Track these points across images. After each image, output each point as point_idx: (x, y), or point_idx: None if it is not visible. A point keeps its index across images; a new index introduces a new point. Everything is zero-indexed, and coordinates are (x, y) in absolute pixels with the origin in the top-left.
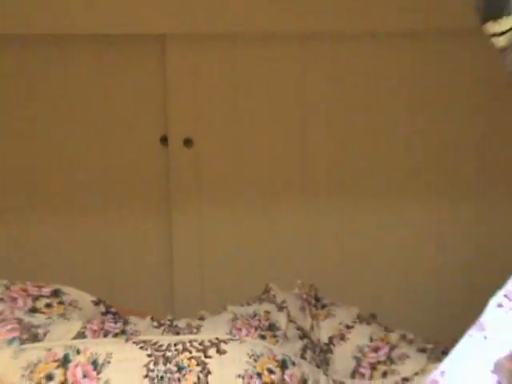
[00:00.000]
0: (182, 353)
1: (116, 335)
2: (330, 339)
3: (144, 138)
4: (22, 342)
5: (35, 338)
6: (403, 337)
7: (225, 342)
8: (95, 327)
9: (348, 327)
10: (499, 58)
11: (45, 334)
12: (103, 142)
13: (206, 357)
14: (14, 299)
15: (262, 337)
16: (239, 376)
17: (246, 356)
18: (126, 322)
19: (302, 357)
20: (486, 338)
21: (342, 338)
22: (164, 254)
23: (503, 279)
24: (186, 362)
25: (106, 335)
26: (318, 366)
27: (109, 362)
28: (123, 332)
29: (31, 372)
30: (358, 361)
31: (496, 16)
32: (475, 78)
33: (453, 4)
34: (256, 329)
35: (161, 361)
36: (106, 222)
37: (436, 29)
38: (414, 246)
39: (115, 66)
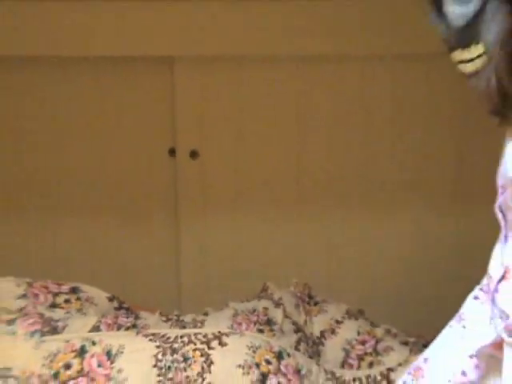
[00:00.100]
0: (187, 344)
1: (128, 328)
2: (322, 333)
3: (154, 150)
4: (43, 334)
5: (55, 331)
6: (388, 331)
7: (226, 335)
8: (109, 321)
9: (338, 322)
10: (467, 83)
11: (63, 327)
12: (117, 154)
13: (209, 348)
14: (36, 295)
15: (261, 331)
16: (239, 366)
17: (245, 348)
18: (137, 317)
19: (297, 349)
20: (464, 327)
21: (333, 332)
22: (171, 256)
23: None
24: (191, 353)
25: (118, 328)
26: (310, 357)
27: (121, 353)
28: (134, 326)
29: (51, 361)
30: (347, 352)
31: (465, 45)
32: (456, 97)
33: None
34: (255, 323)
35: (168, 352)
36: (119, 227)
37: (424, 52)
38: (399, 252)
39: (127, 85)
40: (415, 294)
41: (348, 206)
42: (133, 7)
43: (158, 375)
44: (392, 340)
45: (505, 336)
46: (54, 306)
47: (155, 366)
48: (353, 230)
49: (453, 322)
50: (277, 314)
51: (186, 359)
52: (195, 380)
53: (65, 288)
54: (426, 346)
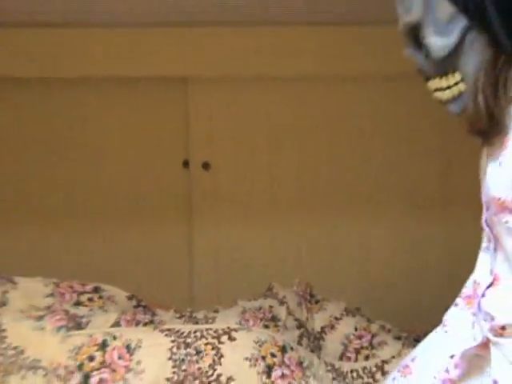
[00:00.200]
0: (199, 339)
1: (145, 324)
2: (322, 328)
3: (169, 162)
4: (69, 329)
5: (79, 327)
6: (382, 327)
7: (235, 330)
8: (128, 318)
9: (337, 319)
10: (445, 109)
11: (87, 323)
12: (136, 166)
13: (219, 343)
14: (62, 294)
15: (266, 326)
16: (247, 359)
17: (252, 342)
18: (153, 314)
19: (299, 343)
20: (446, 332)
21: (332, 327)
22: (185, 258)
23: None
24: (203, 347)
25: (137, 324)
26: (312, 351)
27: (139, 347)
28: (151, 322)
29: (76, 354)
30: (345, 346)
31: (442, 74)
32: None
33: None
34: (261, 320)
35: (182, 346)
36: (138, 232)
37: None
38: (392, 254)
39: (145, 103)
40: (407, 293)
41: (346, 213)
42: (150, 33)
43: (173, 367)
44: (386, 335)
45: (490, 336)
46: (78, 303)
47: (170, 358)
48: (350, 234)
49: (438, 328)
50: (281, 312)
51: (198, 352)
52: (207, 371)
53: (88, 288)
54: (416, 340)
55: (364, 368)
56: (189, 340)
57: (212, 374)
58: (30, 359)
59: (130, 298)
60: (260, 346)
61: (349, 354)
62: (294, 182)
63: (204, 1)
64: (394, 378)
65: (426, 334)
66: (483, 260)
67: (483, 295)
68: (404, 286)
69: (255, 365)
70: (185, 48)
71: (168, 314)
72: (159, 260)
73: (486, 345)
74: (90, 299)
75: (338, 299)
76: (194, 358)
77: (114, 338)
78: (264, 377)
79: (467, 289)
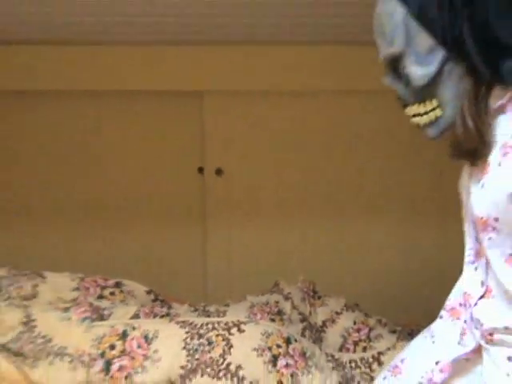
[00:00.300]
0: (211, 331)
1: (162, 317)
2: (324, 322)
3: (185, 169)
4: (92, 320)
5: (102, 318)
6: (379, 321)
7: (244, 323)
8: (147, 310)
9: (337, 313)
10: (422, 133)
11: (109, 315)
12: (155, 172)
13: (229, 334)
14: (87, 288)
15: (272, 320)
16: (254, 349)
17: (259, 334)
18: (169, 307)
19: (303, 335)
20: (433, 342)
21: (333, 321)
22: (200, 257)
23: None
24: (214, 338)
25: (154, 316)
26: (314, 343)
27: (156, 337)
28: (168, 314)
29: (98, 343)
30: (345, 339)
31: (420, 101)
32: None
33: None
34: (268, 314)
35: (195, 336)
36: (157, 233)
37: None
38: (389, 255)
39: (164, 115)
40: (402, 290)
41: (347, 217)
42: (170, 51)
43: (187, 356)
44: (382, 329)
45: (483, 343)
46: (101, 297)
47: (184, 348)
48: (351, 236)
49: (426, 333)
50: (286, 306)
51: (210, 343)
52: (217, 360)
53: (110, 282)
54: (410, 334)
55: (362, 359)
56: (201, 331)
57: (222, 363)
58: (57, 347)
59: (148, 293)
60: (267, 337)
61: (348, 346)
62: (299, 187)
63: (219, 22)
64: (384, 377)
65: (418, 328)
66: (470, 273)
67: (475, 304)
68: (399, 283)
69: (262, 355)
70: (201, 65)
71: (183, 308)
72: (175, 258)
73: (476, 350)
74: (112, 293)
75: (339, 295)
76: (206, 347)
77: (134, 328)
78: (270, 366)
79: (451, 301)
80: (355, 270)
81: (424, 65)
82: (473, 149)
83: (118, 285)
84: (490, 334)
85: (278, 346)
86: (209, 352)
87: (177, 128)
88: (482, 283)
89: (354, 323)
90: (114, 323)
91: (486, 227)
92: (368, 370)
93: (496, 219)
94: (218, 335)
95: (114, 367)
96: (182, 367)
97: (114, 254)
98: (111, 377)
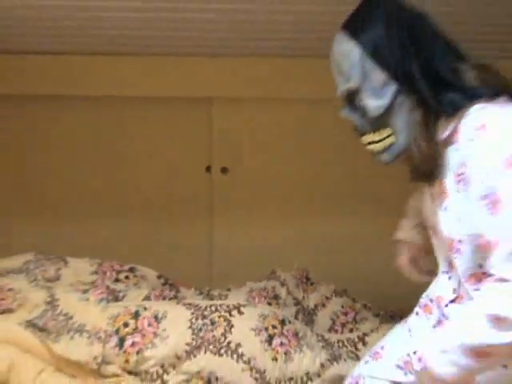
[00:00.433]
0: (214, 312)
1: (171, 299)
2: (315, 306)
3: (194, 167)
4: (108, 301)
5: (117, 299)
6: (364, 305)
7: (243, 306)
8: (157, 293)
9: (327, 298)
10: (375, 160)
11: (123, 297)
12: (167, 171)
13: (230, 315)
14: (104, 272)
15: (269, 303)
16: (252, 329)
17: (257, 316)
18: (177, 291)
19: (296, 318)
20: (411, 336)
21: (323, 305)
22: (206, 246)
23: None
24: (216, 319)
25: (164, 299)
26: (306, 324)
27: (165, 317)
28: (175, 297)
29: (114, 321)
30: (333, 321)
31: (375, 129)
32: None
33: None
34: (265, 298)
35: (200, 317)
36: (169, 225)
37: None
38: (375, 245)
39: (175, 120)
40: (387, 277)
41: (340, 212)
42: (181, 61)
43: (192, 334)
44: (367, 312)
45: None
46: (117, 280)
47: (190, 327)
48: (340, 230)
49: (404, 325)
50: (282, 292)
51: (213, 323)
52: (219, 339)
53: (125, 267)
54: (392, 317)
55: (348, 339)
56: (205, 313)
57: (224, 341)
58: (77, 324)
59: (159, 277)
60: (263, 319)
61: (336, 328)
62: (297, 185)
63: (226, 37)
64: (366, 362)
65: (399, 313)
66: (444, 281)
67: (446, 306)
68: (384, 272)
69: (259, 334)
70: (210, 74)
71: (189, 292)
72: (184, 247)
73: None
74: (127, 277)
75: (329, 282)
76: (210, 327)
77: (145, 309)
78: (266, 344)
79: (424, 299)
80: (344, 259)
81: (378, 97)
82: (428, 171)
83: (132, 270)
84: None
85: (274, 327)
86: (212, 331)
87: (187, 130)
88: (454, 290)
89: (342, 307)
90: (128, 304)
91: (451, 248)
92: (354, 349)
93: (460, 241)
94: (220, 316)
95: (127, 343)
96: (188, 344)
97: (129, 242)
98: (124, 351)
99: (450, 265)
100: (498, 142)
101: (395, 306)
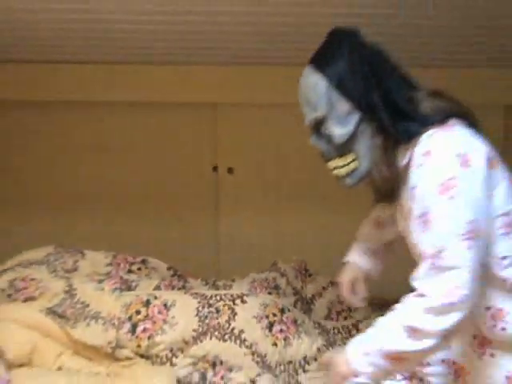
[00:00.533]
0: (219, 301)
1: (179, 289)
2: (313, 296)
3: (202, 167)
4: (122, 290)
5: (130, 288)
6: None
7: (246, 295)
8: (167, 283)
9: (324, 288)
10: (340, 184)
11: (136, 286)
12: (177, 171)
13: (234, 304)
14: (118, 264)
15: (270, 293)
16: (254, 317)
17: (259, 305)
18: (185, 281)
19: (295, 306)
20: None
21: (320, 295)
22: (213, 240)
23: None
24: (221, 307)
25: (173, 288)
26: (304, 312)
27: (174, 305)
28: (184, 287)
29: (126, 309)
30: (329, 310)
31: (340, 155)
32: None
33: None
34: (266, 288)
35: (206, 305)
36: (178, 221)
37: None
38: None
39: (184, 123)
40: None
41: (337, 210)
42: (189, 70)
43: (198, 321)
44: None
45: None
46: (130, 271)
47: (197, 315)
48: (336, 224)
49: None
50: (282, 282)
51: (217, 311)
52: (224, 325)
53: (138, 260)
54: (383, 305)
55: (343, 326)
56: (211, 301)
57: (228, 328)
58: (93, 311)
59: (168, 269)
60: (264, 307)
61: (332, 316)
62: (296, 183)
63: (231, 47)
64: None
65: (389, 302)
66: None
67: None
68: None
69: (260, 321)
70: (215, 81)
71: (196, 282)
72: (193, 240)
73: None
74: (139, 268)
75: (326, 273)
76: (215, 315)
77: (155, 298)
78: (267, 331)
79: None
80: (341, 253)
81: (343, 126)
82: (389, 193)
83: (143, 262)
84: None
85: (274, 315)
86: (217, 318)
87: (196, 133)
88: None
89: (338, 296)
90: (140, 293)
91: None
92: (348, 336)
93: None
94: (224, 305)
95: (139, 329)
96: (194, 330)
97: (141, 236)
98: (136, 337)
99: None
100: (438, 168)
101: (388, 296)
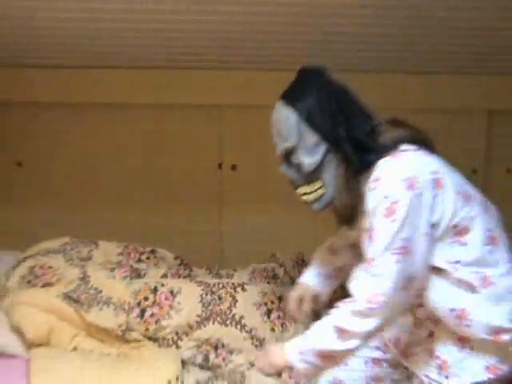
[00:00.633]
0: (221, 289)
1: (185, 277)
2: None
3: (208, 165)
4: (131, 278)
5: (139, 276)
6: None
7: (246, 284)
8: (173, 272)
9: None
10: (308, 208)
11: (144, 274)
12: (184, 167)
13: (235, 292)
14: (129, 254)
15: (268, 282)
16: (253, 304)
17: (258, 293)
18: (191, 270)
19: None
20: None
21: None
22: (217, 233)
23: None
24: (223, 295)
25: (179, 277)
26: None
27: (180, 292)
28: (189, 275)
29: (136, 295)
30: None
31: (308, 182)
32: None
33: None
34: (265, 278)
35: (209, 293)
36: (185, 214)
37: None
38: None
39: (192, 123)
40: None
41: None
42: (197, 73)
43: (202, 307)
44: None
45: None
46: (139, 261)
47: (200, 301)
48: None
49: None
50: (280, 272)
51: (220, 298)
52: (225, 311)
53: (147, 250)
54: None
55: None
56: (214, 289)
57: (229, 314)
58: (105, 297)
59: (175, 258)
60: (263, 295)
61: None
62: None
63: (238, 53)
64: None
65: None
66: None
67: None
68: None
69: (259, 308)
70: (222, 85)
71: (201, 271)
72: (198, 233)
73: None
74: (148, 258)
75: None
76: (217, 302)
77: (163, 285)
78: (265, 317)
79: None
80: None
81: (311, 155)
82: (349, 217)
83: (152, 252)
84: None
85: (272, 302)
86: (219, 305)
87: (203, 133)
88: None
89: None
90: (148, 281)
91: None
92: None
93: None
94: (226, 292)
95: (147, 314)
96: (198, 316)
97: (151, 228)
98: (144, 321)
99: None
100: (385, 192)
101: None
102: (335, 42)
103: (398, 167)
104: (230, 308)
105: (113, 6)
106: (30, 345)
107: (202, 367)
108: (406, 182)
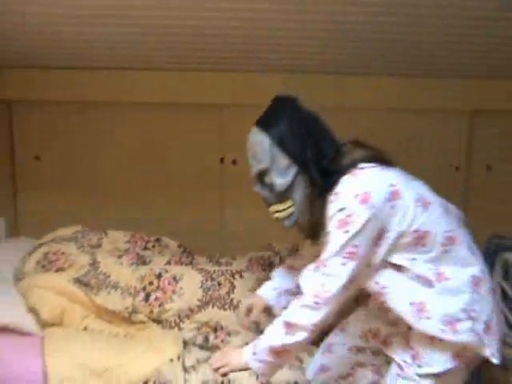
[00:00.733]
0: (221, 276)
1: (187, 264)
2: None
3: (211, 159)
4: (138, 264)
5: (144, 263)
6: None
7: (244, 271)
8: (176, 259)
9: None
10: (280, 225)
11: (150, 261)
12: (189, 162)
13: (233, 279)
14: (135, 242)
15: (265, 270)
16: (250, 290)
17: (254, 279)
18: (193, 258)
19: None
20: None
21: None
22: (218, 223)
23: None
24: (222, 281)
25: (181, 264)
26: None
27: (182, 279)
28: (191, 263)
29: (141, 280)
30: None
31: (280, 201)
32: None
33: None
34: (262, 265)
35: (209, 279)
36: (188, 205)
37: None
38: None
39: (196, 122)
40: None
41: None
42: (198, 75)
43: (202, 292)
44: None
45: None
46: (145, 248)
47: (201, 287)
48: None
49: None
50: (276, 260)
51: (219, 284)
52: (224, 296)
53: (152, 238)
54: None
55: None
56: (214, 276)
57: (228, 298)
58: (113, 281)
59: (179, 247)
60: (259, 282)
61: None
62: None
63: (240, 54)
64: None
65: None
66: None
67: None
68: None
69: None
70: (222, 86)
71: (202, 259)
72: (201, 221)
73: None
74: (153, 246)
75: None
76: (217, 287)
77: (166, 271)
78: None
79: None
80: None
81: (283, 177)
82: (314, 233)
83: (157, 240)
84: None
85: None
86: (218, 290)
87: (206, 130)
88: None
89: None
90: (153, 267)
91: None
92: None
93: None
94: (225, 279)
95: (152, 298)
96: (199, 300)
97: (156, 218)
98: (149, 304)
99: None
100: (341, 206)
101: None
102: (331, 46)
103: (355, 183)
104: (228, 293)
105: (113, 4)
106: (45, 324)
107: (201, 347)
108: (360, 197)
